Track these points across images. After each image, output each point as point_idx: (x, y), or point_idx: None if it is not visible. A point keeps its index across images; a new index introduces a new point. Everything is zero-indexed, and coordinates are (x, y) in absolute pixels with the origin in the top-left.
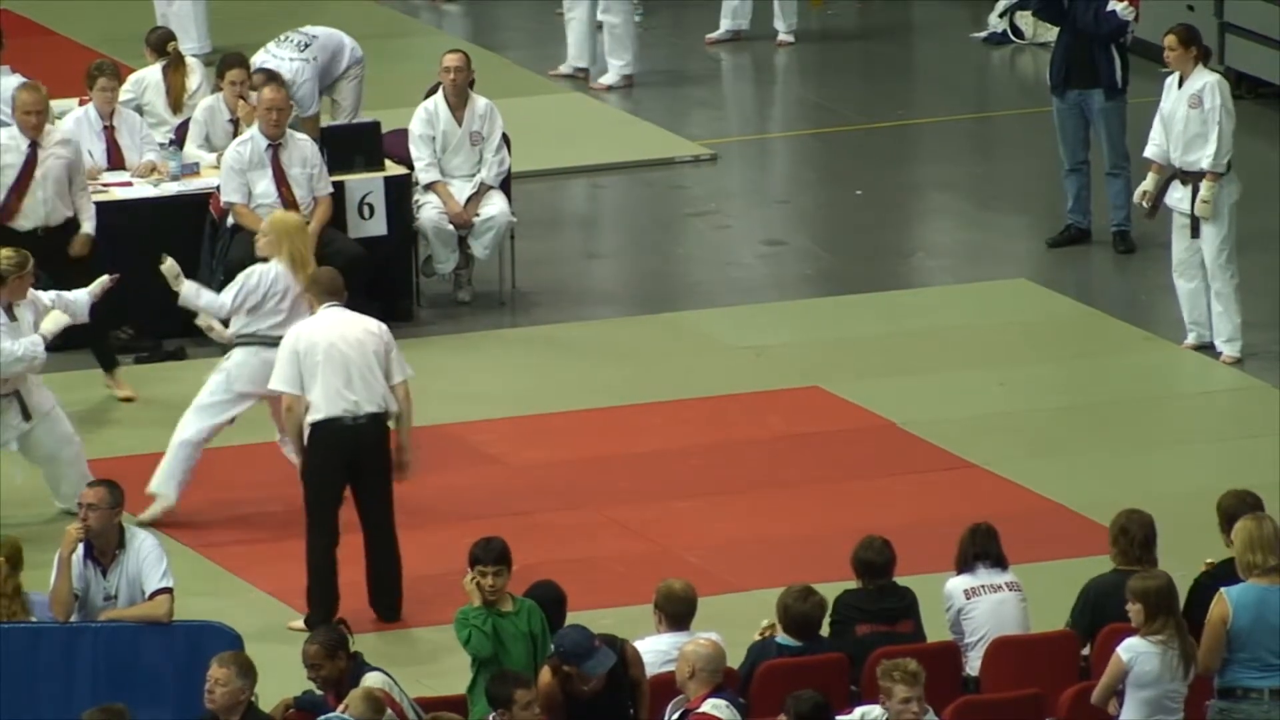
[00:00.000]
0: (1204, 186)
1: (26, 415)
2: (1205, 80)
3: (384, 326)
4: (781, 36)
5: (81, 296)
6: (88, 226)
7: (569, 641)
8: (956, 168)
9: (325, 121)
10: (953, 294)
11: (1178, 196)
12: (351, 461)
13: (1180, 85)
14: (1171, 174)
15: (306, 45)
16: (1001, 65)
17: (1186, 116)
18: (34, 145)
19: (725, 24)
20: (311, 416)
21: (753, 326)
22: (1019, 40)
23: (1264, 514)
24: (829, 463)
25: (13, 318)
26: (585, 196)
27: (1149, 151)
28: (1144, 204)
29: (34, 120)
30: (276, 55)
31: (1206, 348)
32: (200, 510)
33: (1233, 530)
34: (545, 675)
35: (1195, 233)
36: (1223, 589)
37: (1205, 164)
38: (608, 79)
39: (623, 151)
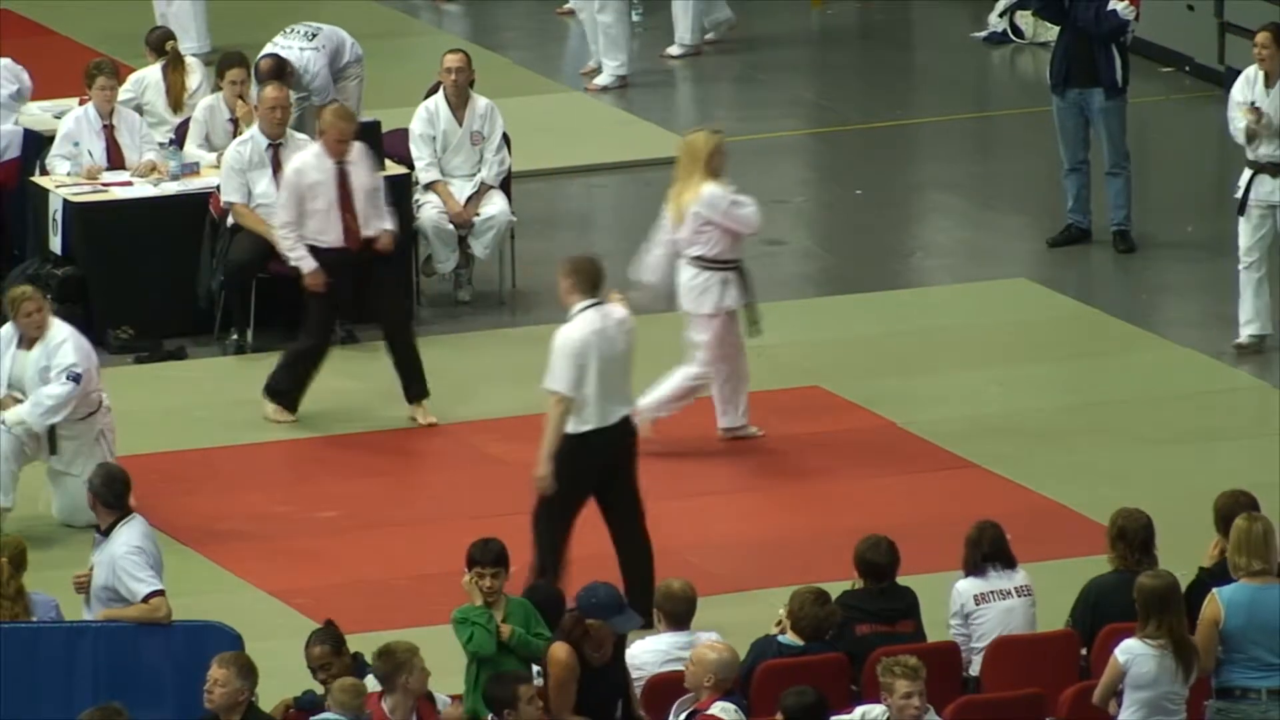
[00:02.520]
0: None
1: (54, 449)
2: None
3: (628, 313)
4: (672, 49)
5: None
6: None
7: (601, 595)
8: (956, 167)
9: None
10: (953, 293)
11: (1268, 189)
12: (607, 466)
13: (1269, 84)
14: (1256, 169)
15: (314, 35)
16: (1001, 64)
17: None
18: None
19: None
20: (575, 426)
21: None
22: (1019, 39)
23: (1258, 514)
24: (829, 462)
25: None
26: (585, 196)
27: (1236, 116)
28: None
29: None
30: (285, 46)
31: (1256, 347)
32: (200, 510)
33: (1230, 530)
34: (560, 650)
35: None
36: (1215, 589)
37: None
38: (602, 80)
39: (622, 151)
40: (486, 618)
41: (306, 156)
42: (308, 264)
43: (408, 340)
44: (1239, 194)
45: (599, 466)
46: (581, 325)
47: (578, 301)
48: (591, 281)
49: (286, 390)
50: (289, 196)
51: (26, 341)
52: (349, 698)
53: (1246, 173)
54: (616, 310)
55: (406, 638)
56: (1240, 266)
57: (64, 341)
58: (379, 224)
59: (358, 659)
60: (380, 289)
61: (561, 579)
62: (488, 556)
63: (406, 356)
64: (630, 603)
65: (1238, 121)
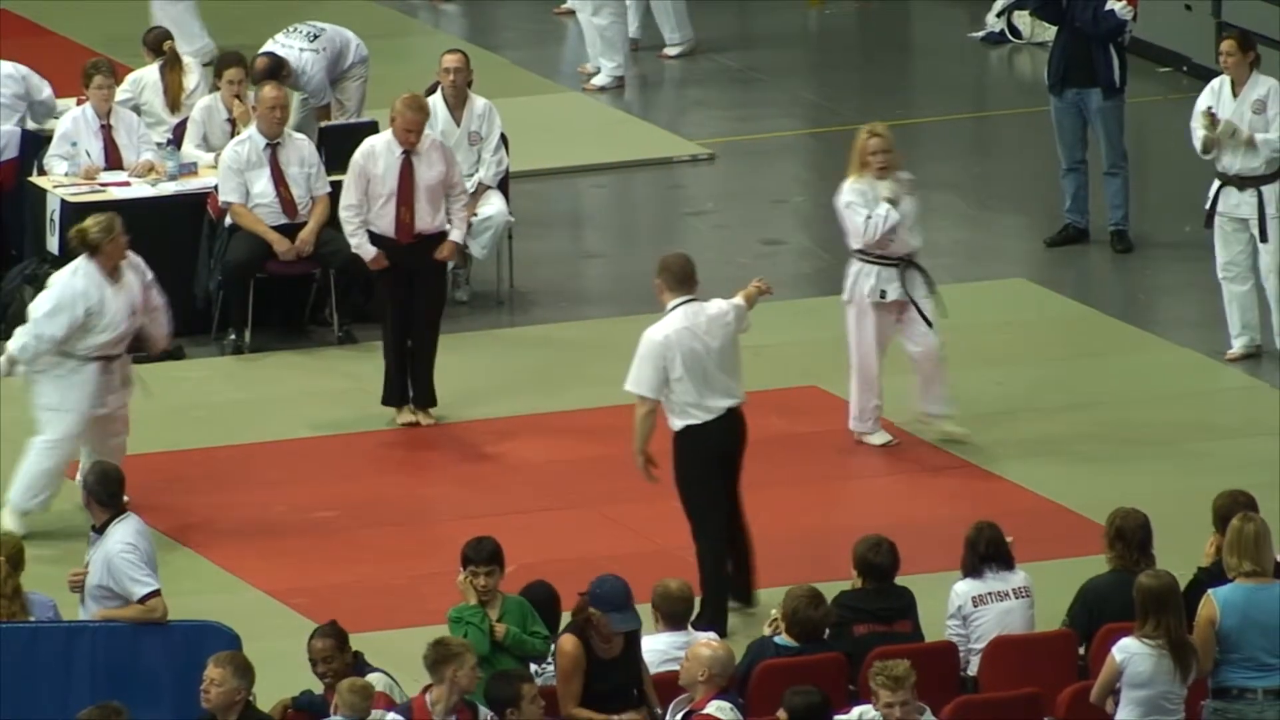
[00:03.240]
0: None
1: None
2: (1269, 85)
3: (734, 304)
4: (667, 49)
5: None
6: None
7: (606, 588)
8: (955, 167)
9: (325, 121)
10: (951, 293)
11: (1234, 202)
12: (723, 458)
13: (1235, 92)
14: (1224, 181)
15: (315, 36)
16: (999, 64)
17: (1250, 123)
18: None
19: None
20: (680, 422)
21: (751, 326)
22: (1017, 39)
23: (1253, 514)
24: (826, 462)
25: (116, 280)
26: (583, 196)
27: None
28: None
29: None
30: (286, 45)
31: (1255, 354)
32: (199, 510)
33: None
34: (567, 641)
35: (1264, 236)
36: (1210, 590)
37: None
38: (599, 80)
39: (621, 151)
40: (480, 617)
41: (377, 141)
42: (366, 250)
43: (430, 347)
44: (1207, 206)
45: (715, 456)
46: (664, 325)
47: (669, 300)
48: (678, 278)
49: (390, 395)
50: (353, 178)
51: (113, 275)
52: (358, 699)
53: (1216, 184)
54: (711, 305)
55: (405, 637)
56: (1221, 280)
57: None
58: (443, 223)
59: (358, 658)
60: (422, 290)
61: (728, 571)
62: (481, 555)
63: (423, 363)
64: (734, 584)
65: (1198, 131)
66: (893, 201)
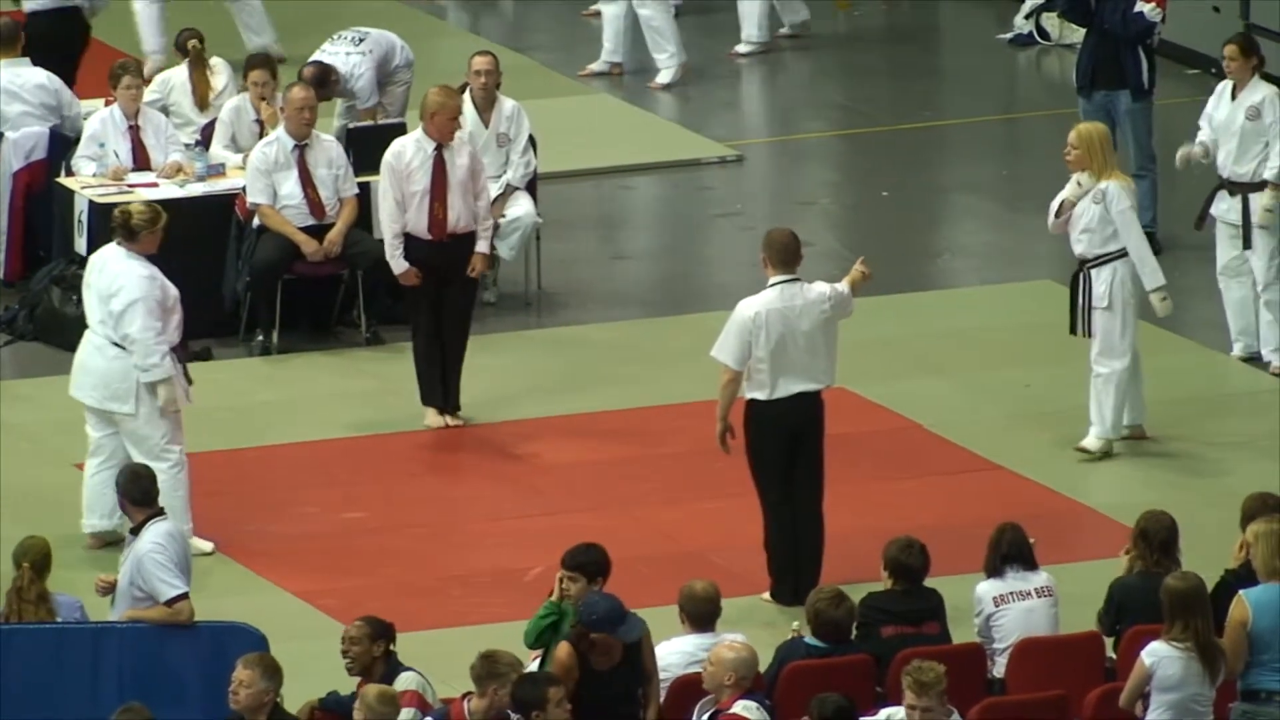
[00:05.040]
0: (1266, 195)
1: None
2: (1264, 93)
3: (836, 290)
4: (739, 47)
5: None
6: None
7: (603, 609)
8: (983, 169)
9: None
10: (979, 295)
11: (1225, 207)
12: (789, 438)
13: (1234, 95)
14: (1219, 184)
15: (361, 40)
16: (1028, 66)
17: (1242, 128)
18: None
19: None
20: (748, 393)
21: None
22: (1045, 41)
23: None
24: (854, 464)
25: None
26: (611, 198)
27: (1200, 137)
28: (1185, 159)
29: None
30: (331, 52)
31: (1254, 358)
32: (227, 511)
33: (1248, 532)
34: (560, 651)
35: (1247, 243)
36: (1241, 591)
37: (1269, 174)
38: (662, 77)
39: (649, 152)
40: (545, 611)
41: (405, 140)
42: (399, 264)
43: (460, 349)
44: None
45: (779, 435)
46: (756, 301)
47: (771, 276)
48: (780, 257)
49: (427, 394)
50: (387, 180)
51: None
52: (387, 708)
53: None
54: (813, 289)
55: (431, 639)
56: (1219, 284)
57: None
58: (473, 222)
59: (391, 658)
60: (453, 290)
61: (787, 552)
62: (569, 560)
63: (454, 366)
64: (796, 577)
65: (1198, 135)
66: (1068, 199)
